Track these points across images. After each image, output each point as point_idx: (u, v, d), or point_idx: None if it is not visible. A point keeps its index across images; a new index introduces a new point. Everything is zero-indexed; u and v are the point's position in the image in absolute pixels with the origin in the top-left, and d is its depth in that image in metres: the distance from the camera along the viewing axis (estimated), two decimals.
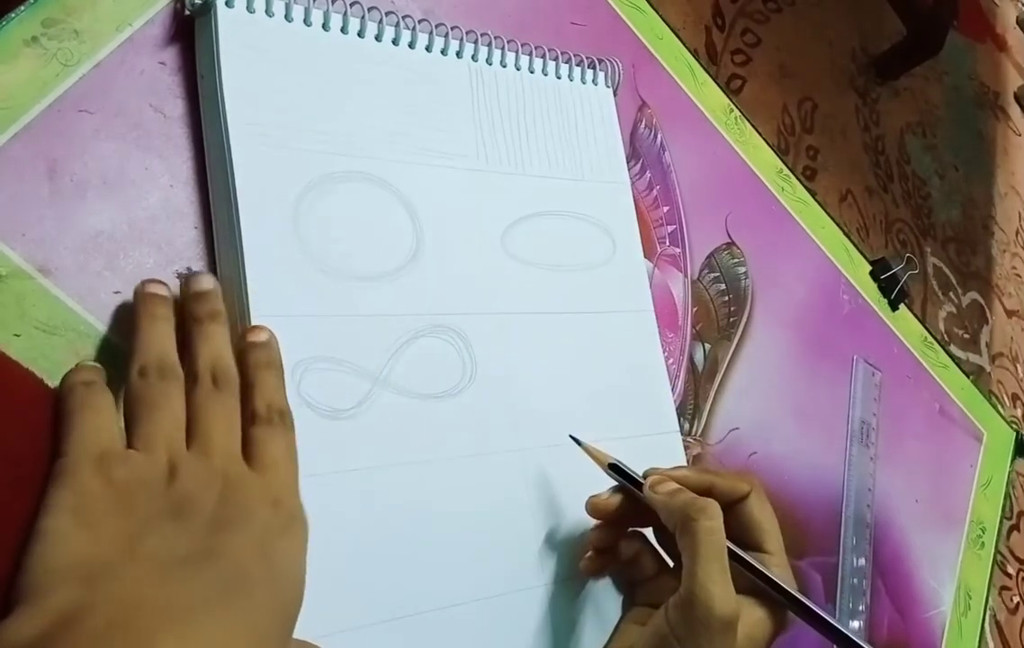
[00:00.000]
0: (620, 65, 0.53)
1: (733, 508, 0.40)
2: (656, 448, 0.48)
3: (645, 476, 0.41)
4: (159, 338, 0.33)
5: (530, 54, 0.49)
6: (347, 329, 0.38)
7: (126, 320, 0.34)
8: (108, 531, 0.28)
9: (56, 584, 0.27)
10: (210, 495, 0.30)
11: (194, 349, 0.33)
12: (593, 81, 0.52)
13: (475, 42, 0.47)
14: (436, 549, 0.38)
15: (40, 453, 0.30)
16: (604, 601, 0.43)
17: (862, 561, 0.59)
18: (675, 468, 0.41)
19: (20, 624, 0.25)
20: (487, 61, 0.47)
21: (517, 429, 0.42)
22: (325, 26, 0.41)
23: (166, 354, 0.33)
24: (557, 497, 0.43)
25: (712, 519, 0.37)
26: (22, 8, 0.35)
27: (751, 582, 0.39)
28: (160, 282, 0.34)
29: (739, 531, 0.40)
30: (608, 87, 0.53)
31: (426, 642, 0.37)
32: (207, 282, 0.35)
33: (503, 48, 0.48)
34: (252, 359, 0.34)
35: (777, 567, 0.40)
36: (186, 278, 0.35)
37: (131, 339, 0.33)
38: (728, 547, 0.38)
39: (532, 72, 0.49)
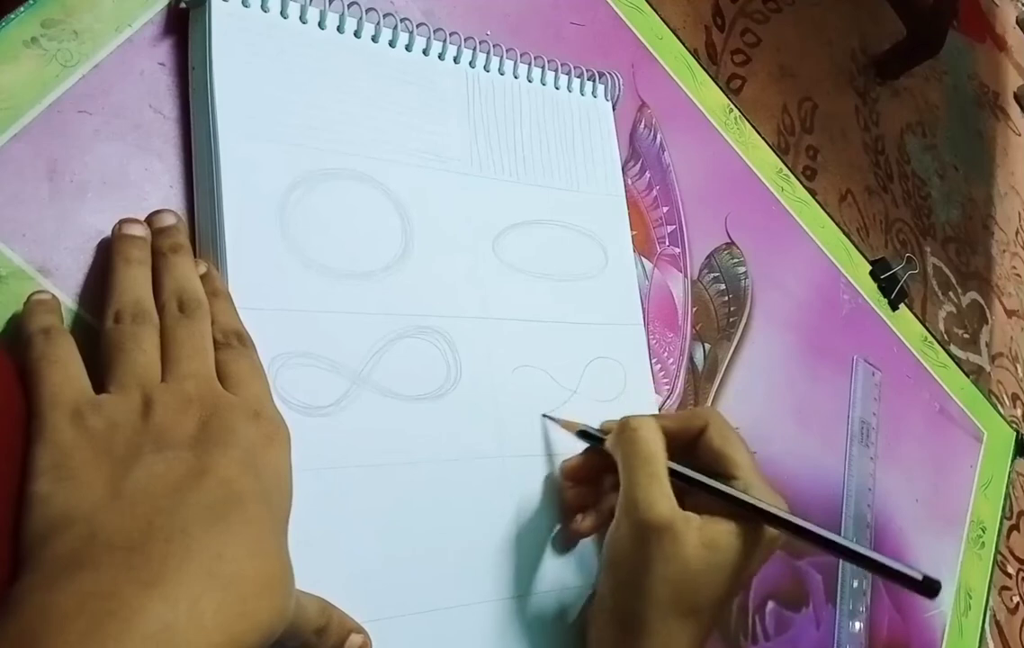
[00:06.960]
0: (621, 79, 0.52)
1: (696, 444, 0.41)
2: None
3: (605, 431, 0.42)
4: (133, 282, 0.33)
5: (529, 63, 0.49)
6: (328, 325, 0.38)
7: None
8: (90, 478, 0.28)
9: (46, 540, 0.27)
10: (189, 419, 0.30)
11: (159, 282, 0.34)
12: (592, 94, 0.51)
13: (473, 49, 0.47)
14: (410, 553, 0.38)
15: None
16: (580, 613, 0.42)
17: None
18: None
19: (20, 583, 0.26)
20: (485, 68, 0.47)
21: (500, 436, 0.42)
22: (321, 24, 0.41)
23: (140, 297, 0.33)
24: (538, 507, 0.42)
25: (637, 430, 0.39)
26: (22, 8, 0.35)
27: (729, 507, 0.39)
28: (137, 221, 0.35)
29: (706, 465, 0.41)
30: (608, 100, 0.52)
31: None
32: (168, 218, 0.36)
33: (501, 56, 0.48)
34: None
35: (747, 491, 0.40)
36: (149, 217, 0.35)
37: (106, 281, 0.33)
38: (680, 469, 0.39)
39: (531, 81, 0.49)
